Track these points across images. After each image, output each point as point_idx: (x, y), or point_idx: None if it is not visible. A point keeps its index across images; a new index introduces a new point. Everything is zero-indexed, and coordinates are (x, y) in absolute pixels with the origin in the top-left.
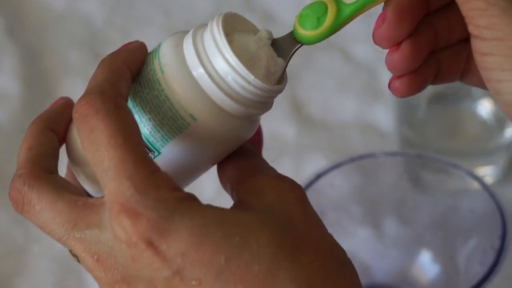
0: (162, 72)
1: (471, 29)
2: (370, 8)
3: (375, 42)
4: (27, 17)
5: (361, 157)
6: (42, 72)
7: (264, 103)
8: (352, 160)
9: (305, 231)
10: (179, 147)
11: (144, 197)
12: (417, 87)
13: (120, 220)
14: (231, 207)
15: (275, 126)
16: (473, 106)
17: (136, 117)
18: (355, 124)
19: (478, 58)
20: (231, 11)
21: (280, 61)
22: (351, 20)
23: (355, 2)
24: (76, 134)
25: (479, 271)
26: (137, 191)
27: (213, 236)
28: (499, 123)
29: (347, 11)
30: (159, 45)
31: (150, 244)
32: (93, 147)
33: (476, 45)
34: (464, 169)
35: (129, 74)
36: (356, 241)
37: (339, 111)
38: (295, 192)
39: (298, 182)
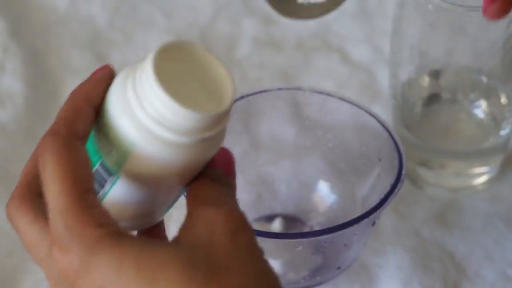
0: (108, 101)
1: None
2: None
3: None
4: (30, 18)
5: None
6: (45, 73)
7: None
8: None
9: (229, 263)
10: (132, 172)
11: (71, 232)
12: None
13: (53, 251)
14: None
15: (274, 126)
16: (469, 106)
17: (97, 144)
18: (353, 124)
19: None
20: (172, 41)
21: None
22: None
23: None
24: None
25: (375, 200)
26: (66, 226)
27: (127, 271)
28: (495, 123)
29: None
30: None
31: (76, 276)
32: (43, 182)
33: None
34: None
35: (87, 110)
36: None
37: (337, 112)
38: (229, 223)
39: (298, 182)
